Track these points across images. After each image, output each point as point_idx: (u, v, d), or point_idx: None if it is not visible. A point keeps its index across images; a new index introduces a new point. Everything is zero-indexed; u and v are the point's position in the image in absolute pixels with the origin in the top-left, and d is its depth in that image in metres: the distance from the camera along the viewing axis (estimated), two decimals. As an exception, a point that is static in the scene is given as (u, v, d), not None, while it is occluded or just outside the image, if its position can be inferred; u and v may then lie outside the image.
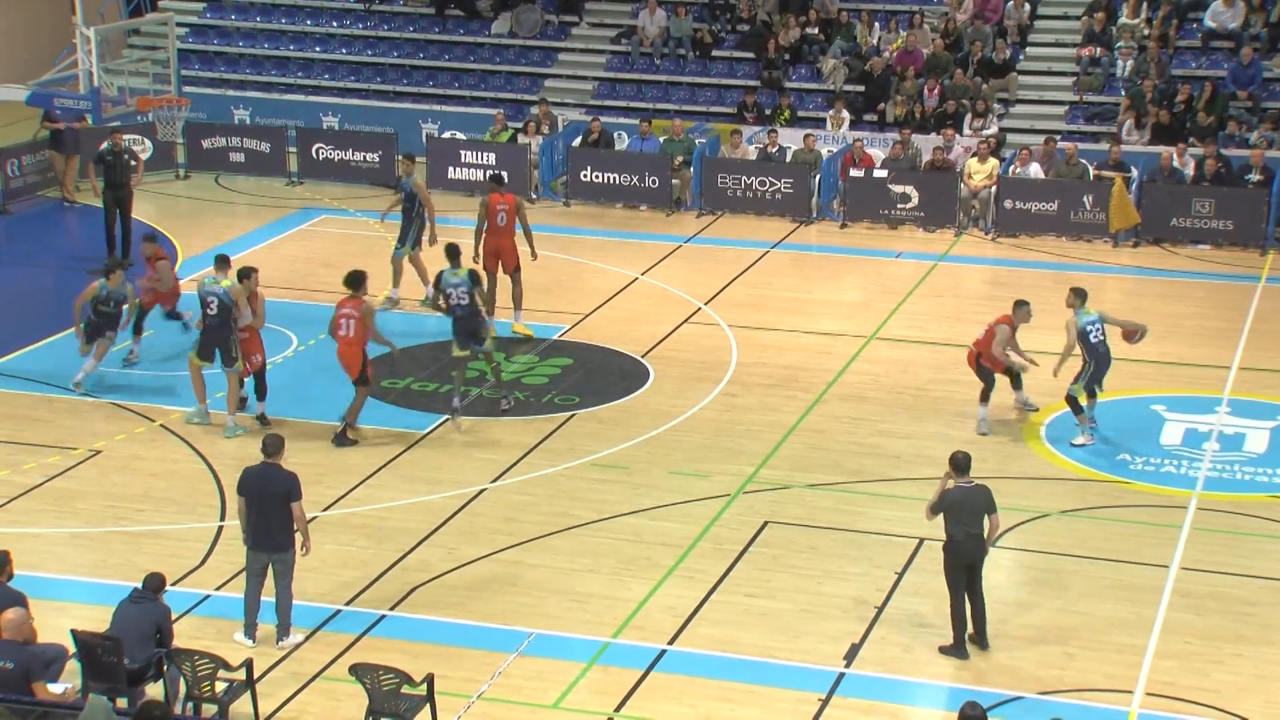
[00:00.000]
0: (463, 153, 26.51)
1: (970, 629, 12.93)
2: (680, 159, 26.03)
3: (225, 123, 28.39)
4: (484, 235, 19.74)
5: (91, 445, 16.47)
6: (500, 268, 19.82)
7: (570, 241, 23.93)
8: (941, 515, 12.79)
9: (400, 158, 21.03)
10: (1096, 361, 16.66)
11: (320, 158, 27.18)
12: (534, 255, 19.95)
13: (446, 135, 27.62)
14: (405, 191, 20.49)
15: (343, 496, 15.45)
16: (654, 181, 25.92)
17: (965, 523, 12.69)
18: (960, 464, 12.76)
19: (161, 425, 17.01)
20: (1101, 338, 16.75)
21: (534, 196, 26.37)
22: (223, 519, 14.91)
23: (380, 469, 15.98)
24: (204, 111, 28.13)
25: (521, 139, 27.05)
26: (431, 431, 17.04)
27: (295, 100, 29.68)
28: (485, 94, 29.78)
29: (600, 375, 18.79)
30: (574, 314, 20.82)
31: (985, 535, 12.76)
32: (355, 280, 16.77)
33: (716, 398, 18.16)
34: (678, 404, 17.90)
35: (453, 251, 17.61)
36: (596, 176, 26.13)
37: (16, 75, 23.37)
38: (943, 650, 12.88)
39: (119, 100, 19.36)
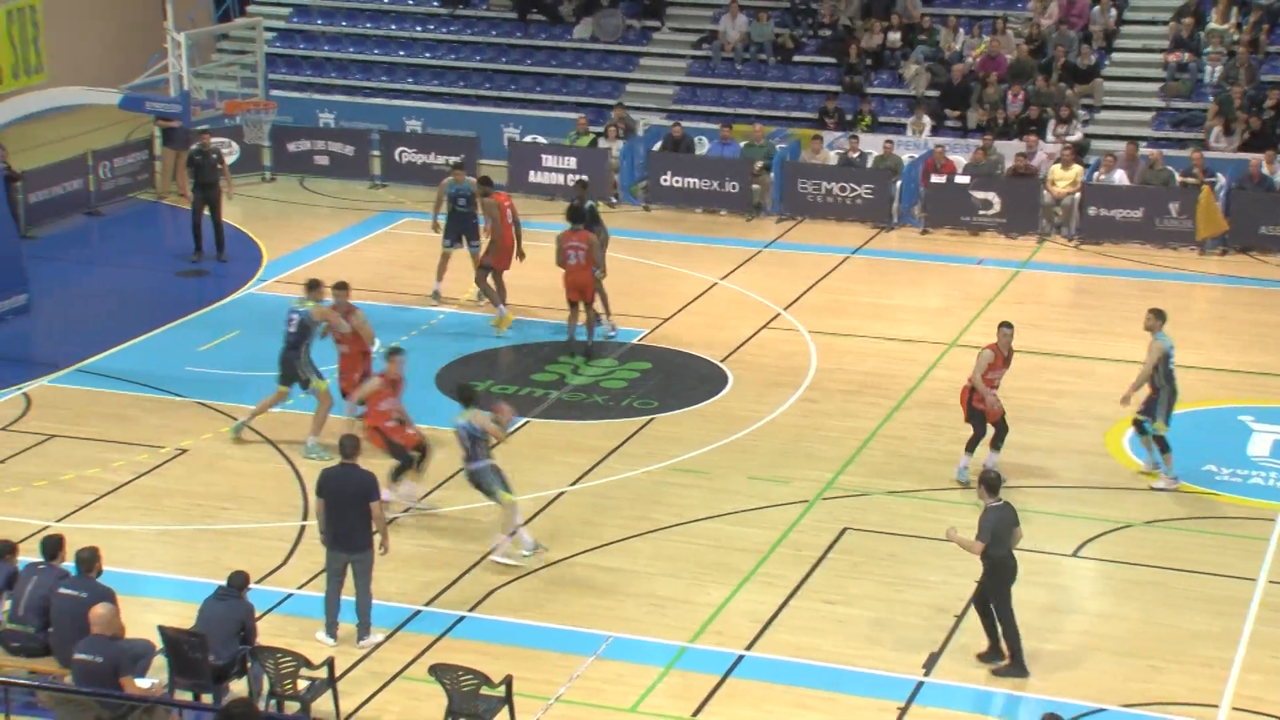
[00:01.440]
0: (544, 157, 26.62)
1: (1006, 653, 12.69)
2: (761, 164, 25.98)
3: (310, 126, 28.69)
4: (505, 237, 20.11)
5: (179, 444, 16.69)
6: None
7: (650, 246, 23.96)
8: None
9: (452, 167, 21.16)
10: (1171, 390, 15.77)
11: (403, 161, 27.39)
12: (521, 255, 20.28)
13: (528, 139, 27.75)
14: (466, 196, 20.55)
15: (423, 497, 15.55)
16: (734, 186, 25.88)
17: (1006, 541, 12.53)
18: (993, 484, 12.62)
19: (247, 425, 17.18)
20: (1172, 364, 15.86)
21: (614, 201, 26.42)
22: (305, 519, 15.06)
23: (457, 473, 16.07)
24: (290, 115, 28.43)
25: (602, 143, 27.11)
26: (512, 433, 17.13)
27: (379, 104, 29.93)
28: (567, 98, 29.86)
29: (679, 380, 18.79)
30: (653, 318, 20.84)
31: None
32: (577, 214, 19.00)
33: (796, 403, 18.10)
34: (757, 409, 17.86)
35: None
36: (677, 181, 26.14)
37: (111, 80, 23.75)
38: (998, 673, 12.63)
39: (208, 103, 19.61)
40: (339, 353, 16.67)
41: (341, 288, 16.73)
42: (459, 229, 20.80)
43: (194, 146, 22.87)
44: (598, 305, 19.64)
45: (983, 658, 12.78)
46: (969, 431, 16.81)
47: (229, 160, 27.33)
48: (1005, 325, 15.93)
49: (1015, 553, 12.65)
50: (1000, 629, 12.69)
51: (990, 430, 15.98)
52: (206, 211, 22.73)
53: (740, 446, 16.90)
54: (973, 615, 13.36)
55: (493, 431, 14.30)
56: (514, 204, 20.59)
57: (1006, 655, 12.71)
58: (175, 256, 22.86)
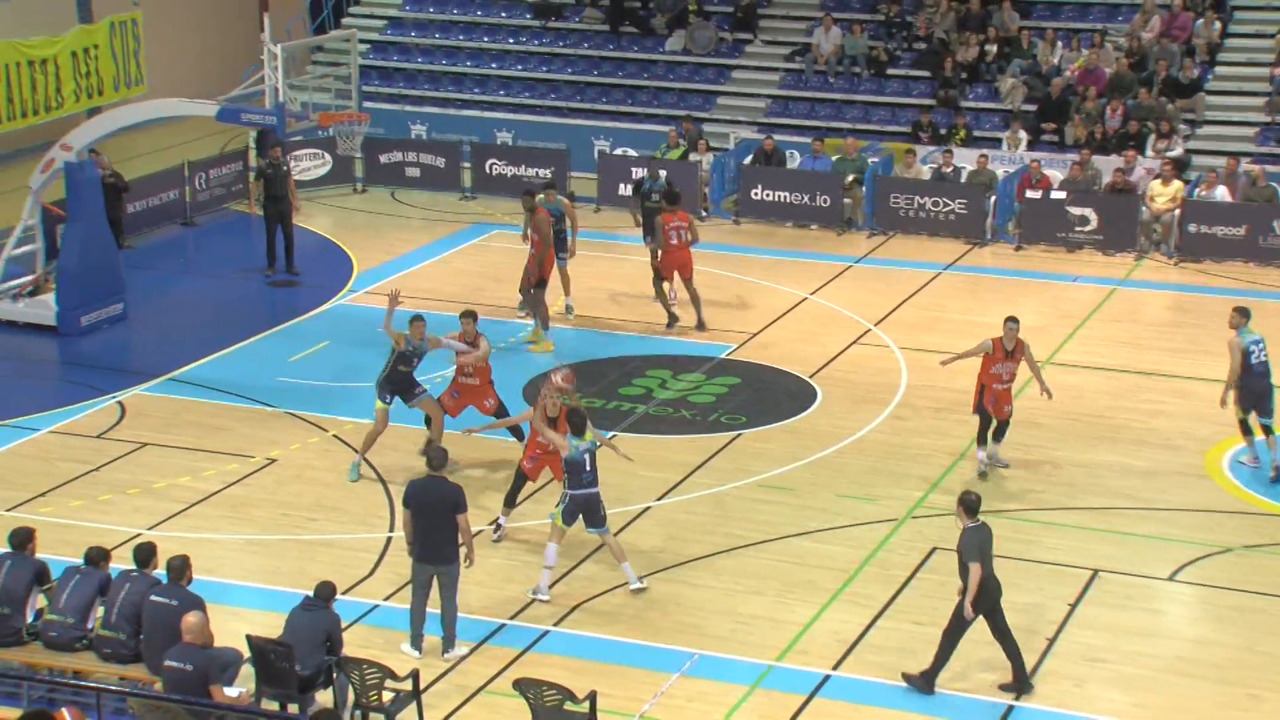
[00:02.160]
0: (634, 170, 26.64)
1: (1011, 674, 12.55)
2: (853, 178, 25.87)
3: (402, 138, 28.98)
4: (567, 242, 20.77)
5: (268, 454, 16.90)
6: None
7: (740, 260, 23.92)
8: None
9: (543, 186, 21.30)
10: (1253, 385, 16.13)
11: (494, 173, 27.57)
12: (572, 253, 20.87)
13: (618, 152, 27.83)
14: (556, 214, 20.68)
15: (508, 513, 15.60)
16: (825, 200, 25.79)
17: (988, 562, 12.45)
18: (971, 505, 12.51)
19: (335, 435, 17.39)
20: (1263, 359, 16.25)
21: (704, 214, 26.41)
22: (392, 530, 15.18)
23: (547, 484, 16.13)
24: (382, 127, 28.73)
25: (693, 156, 27.11)
26: (599, 447, 17.13)
27: (470, 116, 30.16)
28: (658, 111, 29.92)
29: (767, 395, 18.74)
30: (742, 333, 20.81)
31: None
32: (674, 197, 20.20)
33: (885, 420, 17.99)
34: (846, 426, 17.77)
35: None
36: (767, 195, 26.09)
37: (208, 91, 24.12)
38: (1004, 687, 12.47)
39: (302, 115, 19.81)
40: (464, 383, 16.51)
41: (469, 316, 16.53)
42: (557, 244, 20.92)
43: (264, 160, 23.18)
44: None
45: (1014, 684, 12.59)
46: (1061, 451, 16.63)
47: (321, 172, 27.78)
48: (1010, 320, 16.27)
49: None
50: (1003, 647, 12.59)
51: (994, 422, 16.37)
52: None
53: (828, 463, 16.81)
54: (1066, 639, 13.18)
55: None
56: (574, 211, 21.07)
57: (1011, 675, 12.61)
58: (265, 267, 23.14)
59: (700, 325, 20.67)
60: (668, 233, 20.39)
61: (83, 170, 20.43)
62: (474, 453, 16.75)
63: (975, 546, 12.39)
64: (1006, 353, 16.26)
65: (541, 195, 20.80)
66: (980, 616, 12.46)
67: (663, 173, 21.49)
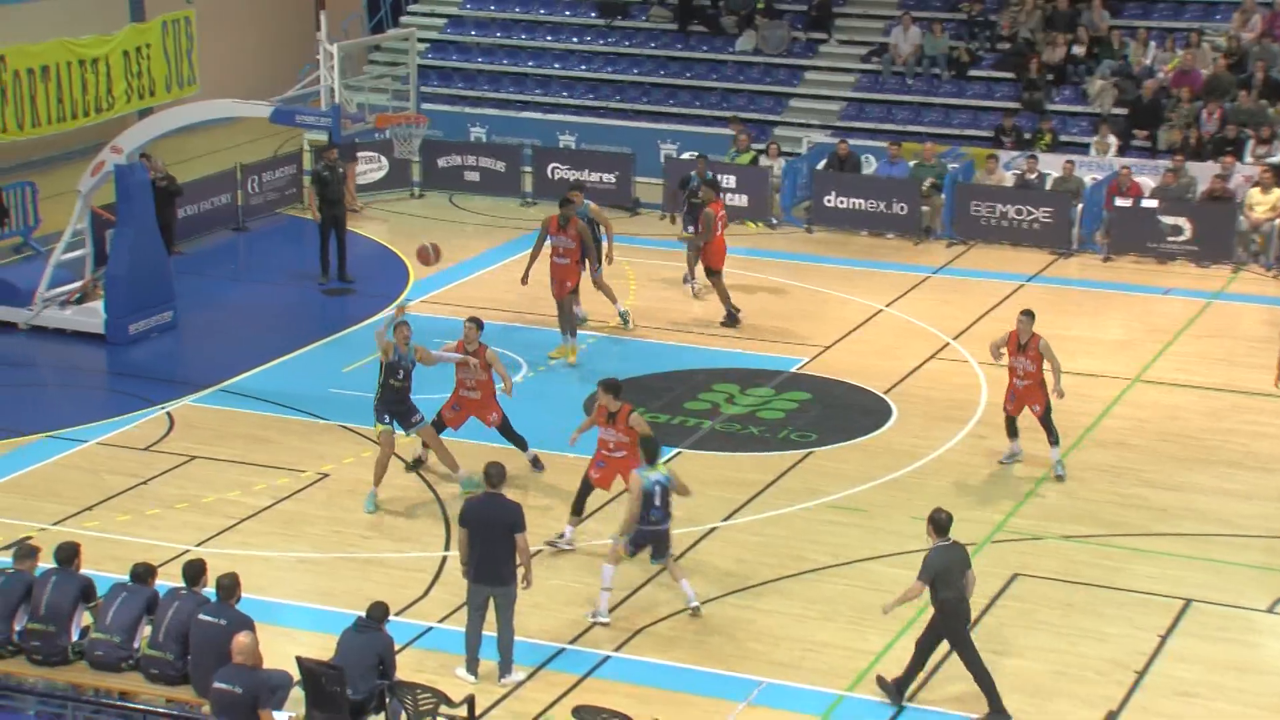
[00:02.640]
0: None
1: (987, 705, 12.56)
2: (931, 184, 25.77)
3: (461, 140, 29.15)
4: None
5: (320, 468, 17.03)
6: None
7: (812, 270, 23.88)
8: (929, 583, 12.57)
9: (571, 186, 21.40)
10: None
11: (555, 178, 27.67)
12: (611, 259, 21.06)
13: (686, 156, 27.83)
14: (585, 218, 20.63)
15: (562, 535, 15.63)
16: (902, 208, 25.70)
17: (954, 584, 12.50)
18: (941, 524, 12.57)
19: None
20: None
21: (774, 222, 26.39)
22: (447, 549, 15.25)
23: (608, 502, 16.14)
24: (441, 129, 28.89)
25: (764, 161, 27.11)
26: (673, 485, 17.12)
27: (532, 118, 30.30)
28: (727, 113, 29.90)
29: (840, 411, 18.69)
30: (814, 346, 20.77)
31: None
32: (717, 186, 21.50)
33: (964, 439, 17.89)
34: (922, 445, 17.68)
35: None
36: (841, 202, 26.04)
37: (263, 92, 24.37)
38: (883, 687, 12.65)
39: (358, 117, 19.97)
40: (465, 397, 16.49)
41: (474, 322, 16.53)
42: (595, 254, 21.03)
43: (320, 163, 23.37)
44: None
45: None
46: (1152, 473, 16.47)
47: (377, 176, 27.99)
48: (1024, 313, 16.64)
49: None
50: (972, 674, 12.57)
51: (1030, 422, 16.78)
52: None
53: (903, 484, 16.73)
54: (1156, 672, 13.05)
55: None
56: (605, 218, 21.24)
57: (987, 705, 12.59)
58: (317, 274, 23.30)
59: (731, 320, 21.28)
60: (717, 224, 21.06)
61: (133, 173, 20.69)
62: (528, 469, 16.81)
63: (932, 566, 12.49)
64: (1020, 346, 16.55)
65: (589, 203, 20.86)
66: (947, 643, 12.53)
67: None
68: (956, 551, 12.64)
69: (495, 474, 13.09)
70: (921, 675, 12.87)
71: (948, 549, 12.61)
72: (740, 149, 27.07)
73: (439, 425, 16.58)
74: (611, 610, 14.09)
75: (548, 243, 20.16)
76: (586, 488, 15.25)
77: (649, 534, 13.94)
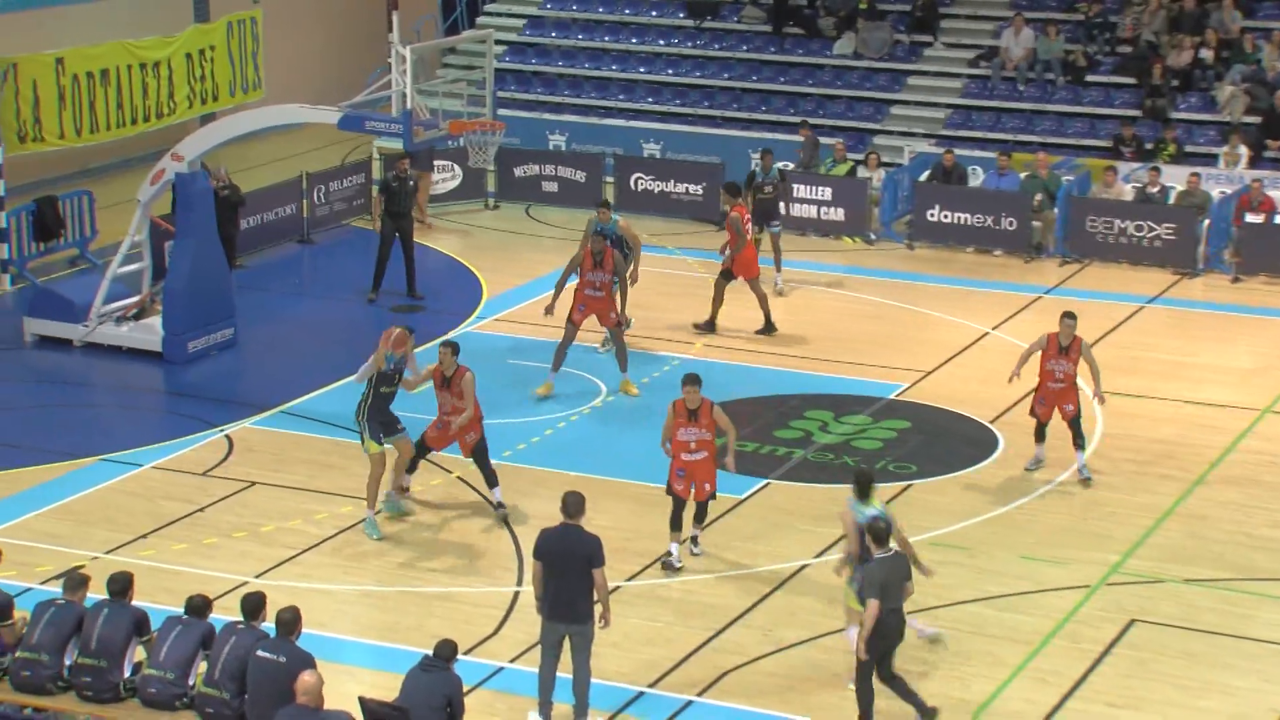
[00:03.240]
0: (796, 186, 26.66)
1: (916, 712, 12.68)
2: (1043, 198, 25.59)
3: (539, 149, 29.33)
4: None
5: (385, 497, 17.12)
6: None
7: (912, 289, 23.78)
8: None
9: (598, 205, 21.29)
10: None
11: (639, 188, 27.76)
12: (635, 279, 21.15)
13: (779, 166, 27.78)
14: (610, 236, 20.61)
15: (650, 565, 15.65)
16: (1011, 223, 25.54)
17: (892, 598, 12.63)
18: (880, 533, 12.75)
19: (459, 477, 17.58)
20: None
21: (873, 237, 26.30)
22: (520, 584, 15.29)
23: (689, 539, 16.12)
24: (518, 136, 29.09)
25: (862, 172, 27.05)
26: (749, 498, 17.13)
27: (615, 125, 30.43)
28: (824, 121, 29.91)
29: (942, 441, 18.58)
30: (914, 371, 20.66)
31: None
32: (737, 189, 21.14)
33: (1077, 472, 17.72)
34: (1031, 478, 17.54)
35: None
36: (945, 216, 25.93)
37: (331, 96, 24.59)
38: None
39: (431, 123, 20.09)
40: (449, 419, 16.49)
41: (449, 346, 16.58)
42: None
43: (390, 172, 23.56)
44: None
45: None
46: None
47: (450, 186, 28.21)
48: (1067, 315, 17.37)
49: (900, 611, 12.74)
50: (894, 690, 12.67)
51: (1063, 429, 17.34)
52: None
53: (1011, 520, 16.60)
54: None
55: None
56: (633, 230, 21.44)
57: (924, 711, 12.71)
58: (390, 290, 23.50)
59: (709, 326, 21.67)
60: (746, 228, 21.43)
61: (194, 182, 20.95)
62: (608, 500, 16.83)
63: (875, 579, 12.55)
64: (1061, 349, 17.24)
65: (594, 215, 20.84)
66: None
67: (778, 165, 21.97)
68: (899, 562, 12.82)
69: (572, 504, 13.08)
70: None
71: (891, 560, 12.77)
72: (838, 158, 27.02)
73: (422, 446, 16.74)
74: (695, 651, 14.05)
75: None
76: (679, 503, 15.49)
77: (859, 570, 13.76)
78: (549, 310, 19.98)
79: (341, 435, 18.67)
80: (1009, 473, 17.69)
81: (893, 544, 12.84)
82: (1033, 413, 17.66)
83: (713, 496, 15.66)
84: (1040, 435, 17.66)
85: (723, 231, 21.85)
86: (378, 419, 16.25)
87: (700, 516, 15.83)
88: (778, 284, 23.53)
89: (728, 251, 21.60)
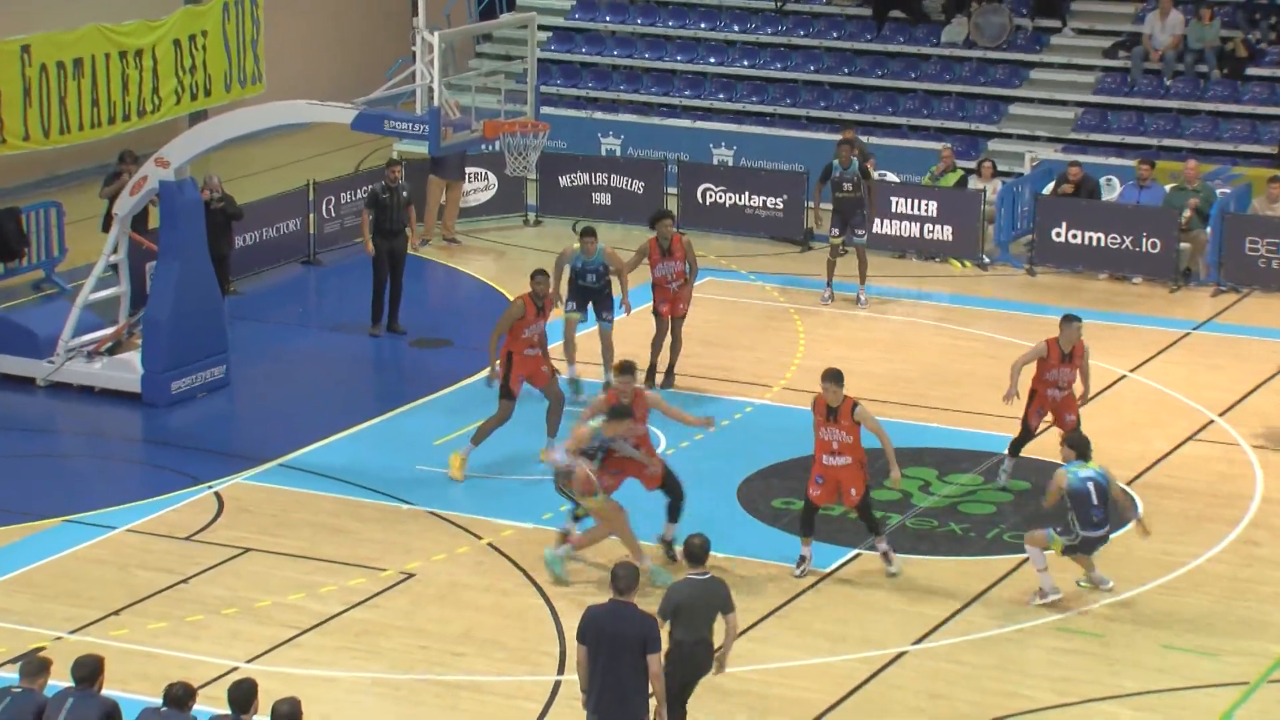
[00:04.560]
0: (894, 200, 26.66)
1: None
2: (1193, 214, 25.48)
3: (590, 155, 29.46)
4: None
5: (403, 566, 17.20)
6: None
7: (1034, 323, 23.68)
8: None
9: (580, 234, 21.37)
10: None
11: (707, 201, 27.83)
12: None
13: (876, 176, 27.82)
14: (596, 270, 20.92)
15: (715, 651, 15.63)
16: (1154, 245, 25.46)
17: (696, 626, 13.01)
18: (695, 553, 13.24)
19: (490, 544, 17.64)
20: None
21: (987, 261, 26.26)
22: (561, 672, 15.32)
23: (766, 617, 16.11)
24: (564, 139, 29.26)
25: (974, 183, 27.02)
26: (835, 570, 17.10)
27: (679, 126, 30.55)
28: (929, 122, 29.94)
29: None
30: (1037, 421, 20.61)
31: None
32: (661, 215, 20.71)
33: (1232, 545, 17.65)
34: (1176, 551, 17.46)
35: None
36: (1074, 236, 25.87)
37: (344, 92, 24.76)
38: None
39: (462, 124, 20.18)
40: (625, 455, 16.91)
41: (627, 370, 17.05)
42: (584, 300, 21.23)
43: (379, 183, 23.70)
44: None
45: None
46: None
47: (484, 198, 28.38)
48: (1069, 318, 18.39)
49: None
50: None
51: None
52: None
53: (1150, 602, 16.52)
54: None
55: None
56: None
57: None
58: (408, 323, 23.60)
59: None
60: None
61: (182, 192, 21.11)
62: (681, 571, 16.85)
63: (672, 599, 13.03)
64: (1063, 356, 18.28)
65: (577, 245, 21.02)
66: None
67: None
68: (713, 587, 13.11)
69: (624, 578, 13.09)
70: None
71: (702, 584, 13.05)
72: (946, 166, 27.02)
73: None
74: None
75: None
76: (810, 508, 16.92)
77: (1094, 540, 16.11)
78: (490, 381, 19.56)
79: (351, 493, 18.76)
80: (1150, 543, 17.59)
81: (708, 568, 13.20)
82: (1026, 424, 18.65)
83: (864, 502, 16.81)
84: (1016, 449, 18.78)
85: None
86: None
87: (874, 528, 17.00)
88: (860, 298, 24.04)
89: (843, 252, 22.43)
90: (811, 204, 25.52)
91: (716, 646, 13.36)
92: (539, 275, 19.48)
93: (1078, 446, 16.28)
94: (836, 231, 24.11)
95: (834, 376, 16.68)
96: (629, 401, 16.84)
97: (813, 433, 16.88)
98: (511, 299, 20.01)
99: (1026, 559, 17.32)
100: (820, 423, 16.73)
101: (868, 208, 24.30)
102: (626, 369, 17.05)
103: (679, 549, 16.61)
